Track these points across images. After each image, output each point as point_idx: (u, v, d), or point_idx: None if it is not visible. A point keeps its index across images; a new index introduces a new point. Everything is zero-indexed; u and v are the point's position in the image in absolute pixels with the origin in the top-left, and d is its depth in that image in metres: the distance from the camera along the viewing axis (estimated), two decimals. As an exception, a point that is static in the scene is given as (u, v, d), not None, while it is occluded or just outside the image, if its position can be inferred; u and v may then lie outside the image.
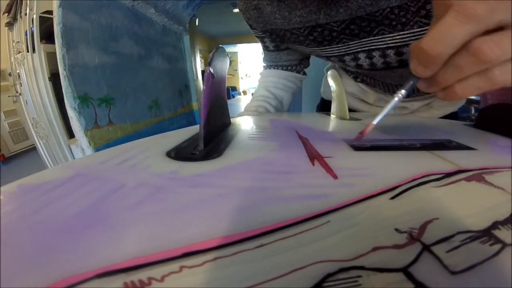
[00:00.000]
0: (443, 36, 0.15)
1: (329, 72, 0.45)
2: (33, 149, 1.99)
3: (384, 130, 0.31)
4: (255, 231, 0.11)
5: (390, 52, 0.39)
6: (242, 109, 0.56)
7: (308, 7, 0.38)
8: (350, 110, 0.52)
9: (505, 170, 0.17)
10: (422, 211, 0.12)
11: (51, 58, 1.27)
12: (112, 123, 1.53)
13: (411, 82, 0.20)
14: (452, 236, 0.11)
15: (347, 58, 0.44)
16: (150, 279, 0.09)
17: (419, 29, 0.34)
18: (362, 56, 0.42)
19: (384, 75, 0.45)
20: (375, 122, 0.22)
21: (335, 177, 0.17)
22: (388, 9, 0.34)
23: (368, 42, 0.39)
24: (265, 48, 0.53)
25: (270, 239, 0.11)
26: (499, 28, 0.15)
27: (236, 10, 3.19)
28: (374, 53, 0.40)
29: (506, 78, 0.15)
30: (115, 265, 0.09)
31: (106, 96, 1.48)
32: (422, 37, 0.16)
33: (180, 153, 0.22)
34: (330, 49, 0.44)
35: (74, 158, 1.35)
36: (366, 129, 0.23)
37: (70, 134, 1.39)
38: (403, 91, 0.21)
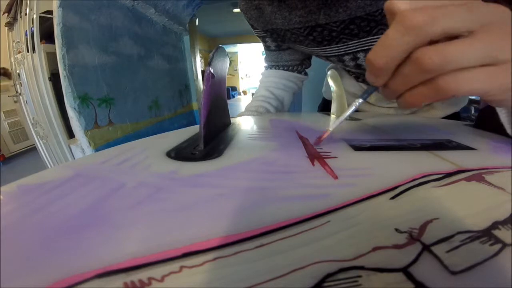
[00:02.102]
0: (385, 48, 0.16)
1: (329, 72, 0.45)
2: (33, 149, 1.99)
3: (384, 130, 0.31)
4: (255, 231, 0.11)
5: None
6: (242, 109, 0.56)
7: (308, 7, 0.38)
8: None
9: (505, 170, 0.17)
10: (422, 211, 0.12)
11: (51, 58, 1.27)
12: (112, 123, 1.53)
13: (369, 91, 0.21)
14: (452, 236, 0.11)
15: (346, 57, 0.44)
16: (150, 279, 0.09)
17: None
18: (361, 55, 0.42)
19: None
20: (331, 128, 0.23)
21: (335, 177, 0.17)
22: None
23: (367, 41, 0.39)
24: (267, 48, 0.53)
25: (270, 239, 0.11)
26: (454, 37, 0.14)
27: (236, 10, 3.19)
28: None
29: (452, 87, 0.15)
30: (115, 265, 0.09)
31: (106, 96, 1.48)
32: None
33: (180, 153, 0.22)
34: (330, 49, 0.44)
35: (74, 158, 1.36)
36: (323, 135, 0.23)
37: (70, 134, 1.39)
38: (360, 100, 0.21)
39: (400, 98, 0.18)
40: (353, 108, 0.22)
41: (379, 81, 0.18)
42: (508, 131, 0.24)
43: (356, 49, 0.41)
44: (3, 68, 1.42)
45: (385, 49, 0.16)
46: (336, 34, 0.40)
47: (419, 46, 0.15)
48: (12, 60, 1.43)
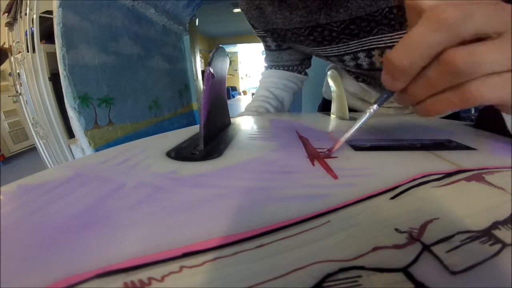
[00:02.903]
0: (412, 46, 0.14)
1: (329, 72, 0.45)
2: (33, 149, 1.99)
3: (384, 130, 0.31)
4: (255, 231, 0.11)
5: (389, 52, 0.39)
6: (242, 109, 0.56)
7: (308, 7, 0.39)
8: (352, 110, 0.52)
9: (505, 170, 0.17)
10: (422, 211, 0.12)
11: (51, 58, 1.27)
12: (112, 123, 1.53)
13: (384, 96, 0.19)
14: (452, 236, 0.11)
15: (346, 57, 0.44)
16: (150, 279, 0.09)
17: None
18: (361, 55, 0.42)
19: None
20: (342, 139, 0.21)
21: (335, 177, 0.17)
22: (387, 9, 0.34)
23: (368, 41, 0.39)
24: (267, 47, 0.53)
25: (270, 239, 0.11)
26: (483, 39, 0.13)
27: (236, 10, 3.19)
28: (373, 53, 0.41)
29: (483, 93, 0.13)
30: (115, 265, 0.09)
31: (106, 96, 1.48)
32: None
33: (180, 153, 0.22)
34: (330, 49, 0.44)
35: (74, 158, 1.35)
36: (335, 146, 0.21)
37: (70, 134, 1.39)
38: (375, 106, 0.20)
39: (420, 104, 0.16)
40: (367, 115, 0.20)
41: (399, 85, 0.16)
42: None
43: (357, 49, 0.42)
44: (3, 47, 1.41)
45: (411, 48, 0.14)
46: (336, 34, 0.40)
47: (450, 47, 0.13)
48: (12, 60, 1.43)
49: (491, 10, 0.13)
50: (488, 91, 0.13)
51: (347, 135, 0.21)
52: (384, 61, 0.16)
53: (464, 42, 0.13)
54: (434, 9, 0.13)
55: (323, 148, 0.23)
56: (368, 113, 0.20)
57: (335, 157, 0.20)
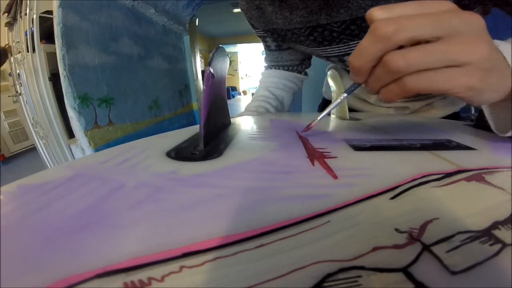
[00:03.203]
0: (361, 52, 0.19)
1: (329, 72, 0.45)
2: (33, 149, 1.99)
3: (384, 130, 0.31)
4: (255, 231, 0.11)
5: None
6: (242, 109, 0.56)
7: (309, 8, 0.38)
8: (352, 110, 0.52)
9: (505, 170, 0.17)
10: (422, 211, 0.12)
11: (51, 58, 1.27)
12: (112, 123, 1.53)
13: (353, 86, 0.24)
14: (452, 236, 0.11)
15: (347, 58, 0.44)
16: (150, 279, 0.09)
17: None
18: None
19: None
20: (318, 118, 0.27)
21: (335, 177, 0.17)
22: None
23: None
24: (267, 48, 0.53)
25: (270, 239, 0.11)
26: (424, 42, 0.17)
27: (236, 10, 3.19)
28: None
29: (415, 85, 0.17)
30: (115, 265, 0.09)
31: (106, 96, 1.48)
32: None
33: (180, 153, 0.22)
34: (331, 49, 0.44)
35: (74, 158, 1.35)
36: (312, 123, 0.27)
37: (70, 134, 1.39)
38: (345, 94, 0.25)
39: (377, 94, 0.21)
40: (338, 101, 0.25)
41: (359, 80, 0.21)
42: (492, 127, 0.25)
43: None
44: (3, 47, 1.41)
45: (361, 54, 0.19)
46: (337, 35, 0.40)
47: (389, 51, 0.17)
48: (12, 60, 1.43)
49: (428, 21, 0.16)
50: (419, 83, 0.17)
51: (322, 115, 0.26)
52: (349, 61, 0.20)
53: (404, 46, 0.17)
54: (375, 24, 0.17)
55: (323, 148, 0.23)
56: (339, 99, 0.25)
57: (335, 157, 0.20)
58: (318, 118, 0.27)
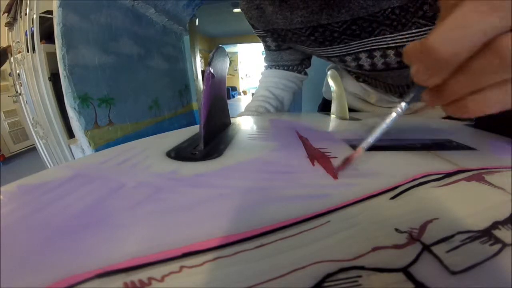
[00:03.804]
0: (459, 31, 0.11)
1: (329, 72, 0.45)
2: (33, 149, 1.99)
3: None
4: (255, 231, 0.11)
5: (390, 53, 0.39)
6: (242, 109, 0.56)
7: (310, 8, 0.38)
8: (352, 110, 0.52)
9: (505, 170, 0.17)
10: (422, 211, 0.12)
11: (51, 58, 1.27)
12: (112, 123, 1.53)
13: (412, 94, 0.16)
14: (452, 236, 0.11)
15: (348, 58, 0.44)
16: (150, 279, 0.09)
17: (416, 30, 0.34)
18: (363, 56, 0.42)
19: (385, 76, 0.45)
20: (364, 145, 0.18)
21: (335, 177, 0.17)
22: (390, 10, 0.34)
23: (369, 42, 0.39)
24: (267, 47, 0.53)
25: (270, 239, 0.11)
26: None
27: (236, 10, 3.19)
28: (375, 53, 0.40)
29: None
30: (115, 265, 0.09)
31: (106, 96, 1.48)
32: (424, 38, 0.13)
33: (180, 153, 0.22)
34: (332, 49, 0.44)
35: (74, 158, 1.35)
36: (354, 155, 0.18)
37: (70, 134, 1.39)
38: (403, 105, 0.17)
39: (457, 103, 0.14)
40: (393, 117, 0.17)
41: (435, 80, 0.13)
42: None
43: (358, 50, 0.41)
44: (3, 48, 1.41)
45: (459, 33, 0.11)
46: (338, 35, 0.40)
47: (504, 33, 0.11)
48: (12, 60, 1.43)
49: None
50: None
51: (371, 139, 0.18)
52: (417, 51, 0.13)
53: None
54: None
55: (323, 148, 0.23)
56: (395, 114, 0.17)
57: (335, 157, 0.20)
58: (364, 146, 0.18)
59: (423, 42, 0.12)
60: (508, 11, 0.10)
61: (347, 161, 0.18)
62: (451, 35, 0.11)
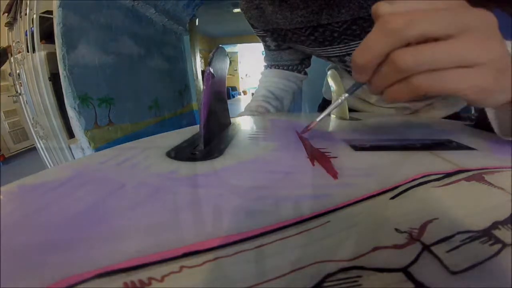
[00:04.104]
0: (367, 48, 0.17)
1: (329, 72, 0.45)
2: (33, 149, 1.99)
3: (384, 130, 0.31)
4: (255, 231, 0.11)
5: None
6: (242, 109, 0.56)
7: (310, 7, 0.38)
8: (352, 110, 0.52)
9: (505, 170, 0.17)
10: (422, 211, 0.12)
11: (51, 58, 1.27)
12: (112, 123, 1.53)
13: (354, 86, 0.22)
14: (452, 236, 0.11)
15: (347, 58, 0.44)
16: (150, 279, 0.09)
17: None
18: None
19: None
20: (318, 119, 0.25)
21: (335, 177, 0.17)
22: None
23: None
24: (267, 47, 0.53)
25: (270, 239, 0.11)
26: (432, 40, 0.15)
27: (236, 10, 3.19)
28: None
29: (424, 86, 0.16)
30: (115, 265, 0.09)
31: (106, 96, 1.48)
32: None
33: (180, 153, 0.22)
34: (331, 49, 0.44)
35: (74, 158, 1.35)
36: (311, 124, 0.26)
37: (70, 134, 1.39)
38: (346, 94, 0.23)
39: (382, 94, 0.19)
40: (338, 102, 0.24)
41: (362, 79, 0.19)
42: (495, 130, 0.24)
43: None
44: (3, 48, 1.42)
45: (366, 50, 0.17)
46: (337, 35, 0.40)
47: (397, 48, 0.16)
48: (12, 60, 1.43)
49: (440, 16, 0.15)
50: (429, 84, 0.16)
51: (321, 116, 0.25)
52: (351, 59, 0.19)
53: (413, 43, 0.16)
54: (384, 18, 0.16)
55: (323, 148, 0.23)
56: (339, 100, 0.24)
57: (335, 157, 0.20)
58: (318, 119, 0.26)
59: (352, 54, 0.18)
60: (397, 34, 0.15)
61: (306, 129, 0.27)
62: (362, 52, 0.17)
